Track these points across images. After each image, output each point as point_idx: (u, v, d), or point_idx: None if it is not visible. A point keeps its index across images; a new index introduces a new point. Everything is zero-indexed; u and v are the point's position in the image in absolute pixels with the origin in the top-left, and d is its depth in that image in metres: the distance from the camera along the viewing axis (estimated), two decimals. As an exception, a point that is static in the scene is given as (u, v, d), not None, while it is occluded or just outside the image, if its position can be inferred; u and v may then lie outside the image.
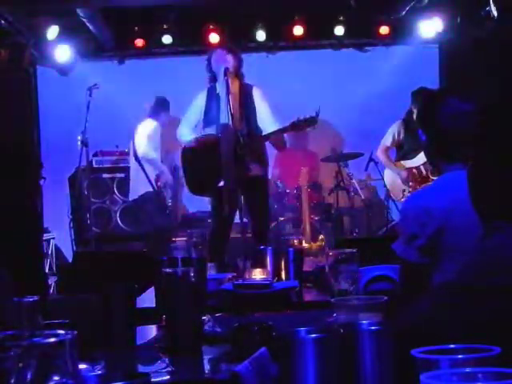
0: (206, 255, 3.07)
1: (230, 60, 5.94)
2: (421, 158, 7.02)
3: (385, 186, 7.77)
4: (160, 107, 7.61)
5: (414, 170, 7.32)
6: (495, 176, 1.73)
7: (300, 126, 5.80)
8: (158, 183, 7.47)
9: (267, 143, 6.11)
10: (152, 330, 2.44)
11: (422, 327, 1.70)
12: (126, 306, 2.20)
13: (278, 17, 8.14)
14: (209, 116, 6.00)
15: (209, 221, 7.72)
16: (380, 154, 7.58)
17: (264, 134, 5.95)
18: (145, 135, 7.44)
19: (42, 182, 7.86)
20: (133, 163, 7.59)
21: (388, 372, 1.41)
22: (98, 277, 3.77)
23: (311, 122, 5.74)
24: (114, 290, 2.23)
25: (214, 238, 5.98)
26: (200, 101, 6.09)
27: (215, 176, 5.81)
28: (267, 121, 5.96)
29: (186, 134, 6.13)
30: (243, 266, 3.62)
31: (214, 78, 6.06)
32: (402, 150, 7.46)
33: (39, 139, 8.36)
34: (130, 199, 7.71)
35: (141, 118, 7.64)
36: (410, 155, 7.30)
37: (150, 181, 7.40)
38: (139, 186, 7.49)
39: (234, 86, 5.91)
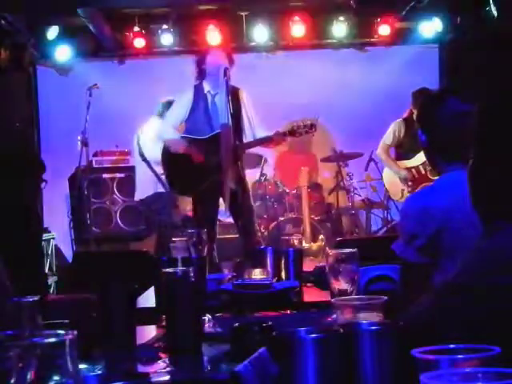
0: (206, 255, 3.07)
1: (225, 61, 5.92)
2: (420, 158, 7.02)
3: (384, 185, 7.78)
4: (167, 108, 7.58)
5: (413, 170, 7.32)
6: (495, 176, 1.73)
7: (298, 133, 5.83)
8: None
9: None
10: (152, 330, 2.44)
11: (422, 327, 1.70)
12: (125, 306, 2.20)
13: (278, 17, 8.15)
14: (195, 115, 5.97)
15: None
16: (381, 153, 7.57)
17: (248, 137, 5.95)
18: (150, 136, 7.42)
19: (43, 185, 7.84)
20: (139, 163, 7.57)
21: (388, 372, 1.41)
22: (97, 277, 3.77)
23: (310, 129, 5.79)
24: (114, 290, 2.23)
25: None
26: (186, 99, 6.04)
27: (200, 177, 5.80)
28: (252, 124, 5.95)
29: (169, 132, 6.08)
30: (237, 266, 3.62)
31: (202, 77, 6.02)
32: (402, 150, 7.46)
33: (39, 139, 8.37)
34: (137, 199, 7.68)
35: (145, 118, 7.62)
36: (410, 155, 7.30)
37: (160, 181, 7.38)
38: (146, 186, 7.47)
39: (223, 87, 5.88)
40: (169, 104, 7.62)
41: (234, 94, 5.87)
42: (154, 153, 7.38)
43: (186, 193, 6.39)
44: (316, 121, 5.91)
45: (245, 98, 6.02)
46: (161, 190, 7.41)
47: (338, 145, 8.53)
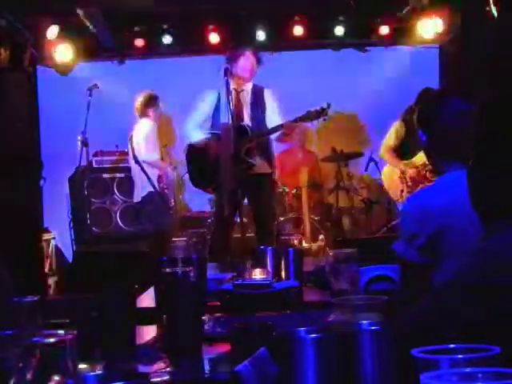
0: (206, 255, 3.08)
1: (255, 65, 6.01)
2: (420, 159, 7.00)
3: (382, 185, 7.77)
4: (148, 105, 7.58)
5: (414, 170, 7.29)
6: (495, 176, 1.73)
7: (311, 117, 5.84)
8: (161, 184, 7.45)
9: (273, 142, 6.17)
10: (152, 330, 2.44)
11: (422, 327, 1.70)
12: (125, 306, 2.20)
13: (278, 17, 8.14)
14: (219, 112, 6.02)
15: (209, 221, 7.73)
16: (385, 154, 7.51)
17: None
18: (142, 137, 7.42)
19: (41, 182, 7.85)
20: (133, 165, 7.57)
21: (388, 372, 1.41)
22: (97, 277, 3.77)
23: (322, 113, 5.81)
24: (114, 289, 2.23)
25: (214, 238, 5.99)
26: (211, 98, 6.10)
27: (219, 174, 5.84)
28: (274, 121, 6.00)
29: (193, 129, 6.13)
30: (243, 266, 3.62)
31: (229, 76, 6.03)
32: (401, 150, 7.43)
33: (39, 139, 8.36)
34: (135, 201, 7.69)
35: (135, 119, 7.65)
36: (409, 155, 7.27)
37: (151, 182, 7.39)
38: (142, 187, 7.48)
39: (247, 86, 6.05)
40: (146, 99, 7.63)
41: (259, 93, 5.94)
42: (148, 154, 7.38)
43: (206, 188, 6.39)
44: (327, 106, 5.86)
45: (269, 96, 6.10)
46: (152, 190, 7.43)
47: (338, 144, 8.52)
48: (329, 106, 5.81)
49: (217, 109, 6.03)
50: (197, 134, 6.10)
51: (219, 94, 6.03)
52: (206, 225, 7.69)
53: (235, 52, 6.12)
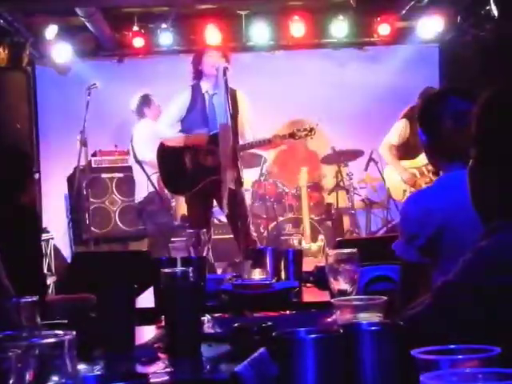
0: (205, 255, 3.08)
1: (222, 61, 5.91)
2: (422, 158, 6.96)
3: (384, 185, 7.75)
4: (142, 105, 7.63)
5: (416, 171, 7.26)
6: (495, 175, 1.73)
7: (298, 136, 5.86)
8: (161, 184, 7.46)
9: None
10: (151, 331, 2.43)
11: (422, 327, 1.70)
12: (124, 307, 2.19)
13: (278, 16, 8.13)
14: (191, 115, 5.96)
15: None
16: (385, 153, 7.45)
17: (245, 139, 5.93)
18: (139, 137, 7.48)
19: (36, 175, 7.83)
20: (134, 165, 7.61)
21: (388, 372, 1.40)
22: (96, 277, 3.77)
23: (310, 132, 5.82)
24: (113, 290, 2.22)
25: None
26: (184, 99, 6.02)
27: (195, 177, 5.80)
28: (245, 125, 5.95)
29: (165, 130, 6.07)
30: (243, 266, 3.61)
31: (199, 77, 6.01)
32: (405, 149, 7.38)
33: (38, 139, 8.37)
34: (136, 201, 7.71)
35: (135, 120, 7.67)
36: (412, 155, 7.23)
37: (151, 182, 7.40)
38: (143, 188, 7.50)
39: (220, 89, 5.86)
40: (141, 100, 7.67)
41: (231, 95, 5.85)
42: (145, 153, 7.40)
43: (180, 192, 6.38)
44: (315, 125, 5.93)
45: (242, 99, 6.01)
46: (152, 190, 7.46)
47: (337, 144, 8.51)
48: (315, 126, 5.86)
49: (189, 111, 5.96)
50: (168, 135, 6.04)
51: (192, 93, 5.97)
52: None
53: (199, 52, 6.14)
